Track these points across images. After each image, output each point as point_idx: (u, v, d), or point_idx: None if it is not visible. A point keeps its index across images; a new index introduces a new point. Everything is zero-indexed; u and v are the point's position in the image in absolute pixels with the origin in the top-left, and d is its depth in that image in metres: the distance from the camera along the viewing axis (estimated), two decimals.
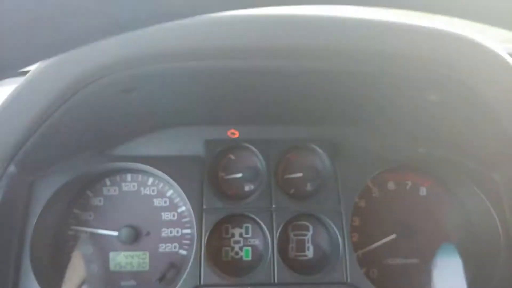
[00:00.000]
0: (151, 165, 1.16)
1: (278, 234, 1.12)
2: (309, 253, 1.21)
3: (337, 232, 1.12)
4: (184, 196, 1.15)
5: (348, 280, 1.08)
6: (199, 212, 1.12)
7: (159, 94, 1.03)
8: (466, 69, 0.86)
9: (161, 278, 1.12)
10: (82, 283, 1.17)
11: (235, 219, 1.20)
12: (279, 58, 0.87)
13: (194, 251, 1.10)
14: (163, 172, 1.15)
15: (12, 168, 0.95)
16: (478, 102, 0.90)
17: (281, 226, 1.12)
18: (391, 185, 1.26)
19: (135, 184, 1.23)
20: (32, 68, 0.89)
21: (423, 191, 1.25)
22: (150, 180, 1.23)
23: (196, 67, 0.88)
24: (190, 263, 1.08)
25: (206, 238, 1.10)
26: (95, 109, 1.00)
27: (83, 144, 1.16)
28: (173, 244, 1.20)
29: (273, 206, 1.15)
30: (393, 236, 1.21)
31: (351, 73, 0.92)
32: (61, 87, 0.86)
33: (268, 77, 0.96)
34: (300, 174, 1.25)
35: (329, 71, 0.92)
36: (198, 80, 0.97)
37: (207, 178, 1.16)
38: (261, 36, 0.83)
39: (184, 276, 1.06)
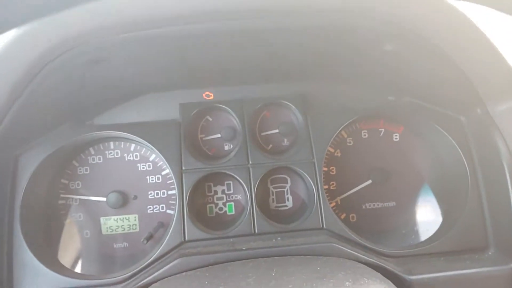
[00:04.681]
0: (129, 132, 1.20)
1: (255, 188, 1.17)
2: (289, 203, 1.27)
3: (311, 181, 1.18)
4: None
5: (324, 226, 1.14)
6: (179, 174, 1.17)
7: (129, 62, 1.05)
8: (419, 19, 0.87)
9: (148, 238, 1.18)
10: (77, 248, 1.23)
11: (217, 177, 1.25)
12: (239, 19, 0.89)
13: (177, 210, 1.15)
14: (142, 138, 1.19)
15: None
16: (434, 50, 0.91)
17: (258, 180, 1.18)
18: (364, 134, 1.30)
19: (118, 151, 1.28)
20: None
21: (396, 137, 1.30)
22: (133, 146, 1.28)
23: (160, 34, 0.90)
24: (174, 222, 1.14)
25: (187, 196, 1.16)
26: (68, 80, 1.02)
27: (62, 115, 1.19)
28: (161, 205, 1.26)
29: (250, 162, 1.19)
30: (369, 181, 1.26)
31: (312, 28, 0.94)
32: (30, 60, 0.88)
33: (235, 37, 0.98)
34: (276, 130, 1.29)
35: (290, 27, 0.94)
36: (165, 46, 0.98)
37: (185, 140, 1.20)
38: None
39: (169, 234, 1.12)
